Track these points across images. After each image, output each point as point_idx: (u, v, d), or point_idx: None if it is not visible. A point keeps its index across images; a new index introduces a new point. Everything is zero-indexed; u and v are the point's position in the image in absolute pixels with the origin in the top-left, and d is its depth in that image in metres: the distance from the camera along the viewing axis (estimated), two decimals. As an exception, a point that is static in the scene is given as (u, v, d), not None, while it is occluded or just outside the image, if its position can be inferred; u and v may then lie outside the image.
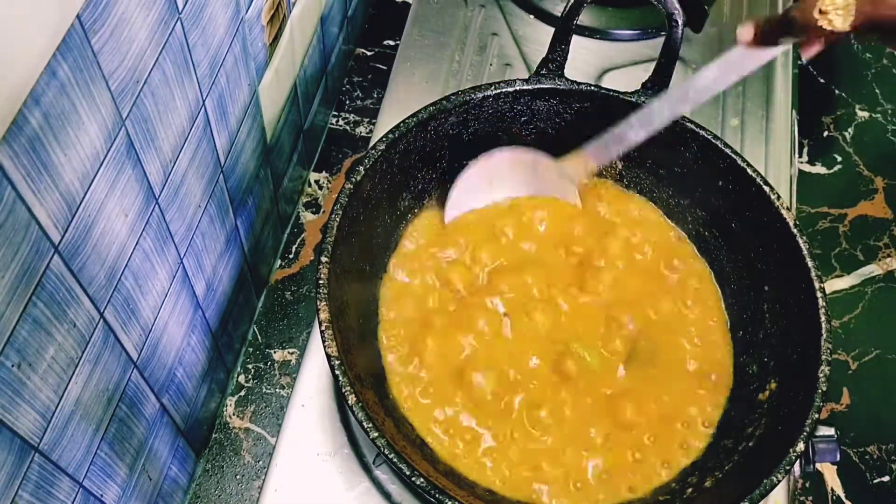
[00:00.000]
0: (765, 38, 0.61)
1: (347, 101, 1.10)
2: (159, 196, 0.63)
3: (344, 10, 1.03)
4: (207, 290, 0.78)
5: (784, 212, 0.69)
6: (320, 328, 0.61)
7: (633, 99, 0.73)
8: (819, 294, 0.65)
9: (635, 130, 0.71)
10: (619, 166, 0.78)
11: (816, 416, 0.61)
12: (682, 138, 0.73)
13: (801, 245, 0.67)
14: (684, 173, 0.75)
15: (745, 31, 0.62)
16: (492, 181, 0.77)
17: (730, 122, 0.91)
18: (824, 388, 0.61)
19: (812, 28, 0.57)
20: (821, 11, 0.57)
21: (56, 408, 0.54)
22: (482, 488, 0.66)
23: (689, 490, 0.65)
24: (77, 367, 0.56)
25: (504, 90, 0.73)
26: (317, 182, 1.05)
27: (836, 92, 1.17)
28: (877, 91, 1.17)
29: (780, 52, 0.63)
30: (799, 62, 0.97)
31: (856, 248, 1.06)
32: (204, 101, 0.66)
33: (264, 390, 0.91)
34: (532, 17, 0.98)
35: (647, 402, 0.70)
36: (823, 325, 0.64)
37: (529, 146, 0.77)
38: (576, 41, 0.76)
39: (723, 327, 0.74)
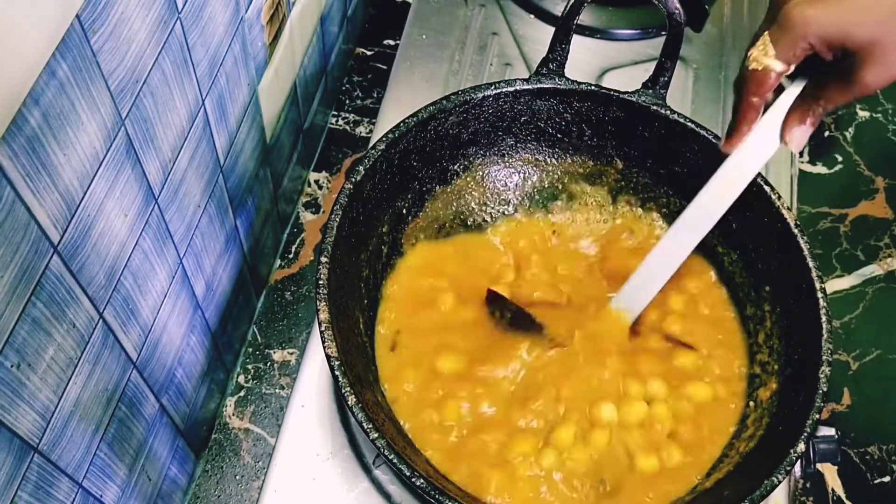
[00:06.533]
0: (739, 129, 0.60)
1: (347, 101, 1.10)
2: (159, 196, 0.63)
3: (344, 10, 1.03)
4: (207, 291, 0.78)
5: (785, 212, 0.69)
6: (320, 329, 0.61)
7: (634, 98, 0.73)
8: (820, 294, 0.65)
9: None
10: (620, 165, 0.78)
11: (817, 416, 0.60)
12: (683, 138, 0.73)
13: (802, 245, 0.67)
14: (684, 173, 0.75)
15: (726, 144, 0.61)
16: None
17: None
18: (825, 389, 0.61)
19: (750, 79, 0.56)
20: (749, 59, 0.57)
21: (55, 408, 0.54)
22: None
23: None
24: (76, 367, 0.56)
25: (504, 90, 0.73)
26: (316, 182, 1.04)
27: (837, 92, 1.17)
28: (877, 91, 1.17)
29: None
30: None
31: (856, 248, 1.06)
32: (203, 101, 0.66)
33: (264, 391, 0.91)
34: (532, 16, 0.98)
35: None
36: (824, 326, 0.64)
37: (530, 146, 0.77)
38: (576, 41, 0.76)
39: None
